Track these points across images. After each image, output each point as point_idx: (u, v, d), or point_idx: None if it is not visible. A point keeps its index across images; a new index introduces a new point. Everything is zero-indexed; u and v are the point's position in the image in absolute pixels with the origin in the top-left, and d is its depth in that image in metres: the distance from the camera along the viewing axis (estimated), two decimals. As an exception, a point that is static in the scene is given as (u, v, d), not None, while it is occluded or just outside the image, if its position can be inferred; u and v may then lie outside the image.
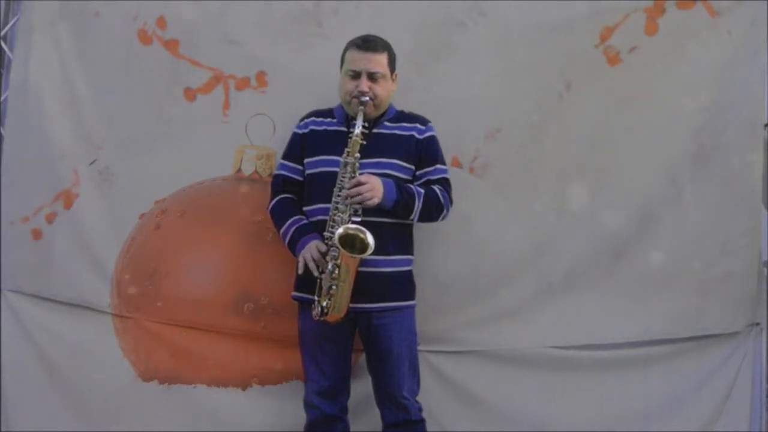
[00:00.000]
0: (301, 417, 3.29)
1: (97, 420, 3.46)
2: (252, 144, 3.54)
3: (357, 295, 3.02)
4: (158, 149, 3.52)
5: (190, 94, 3.53)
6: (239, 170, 3.55)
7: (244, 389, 3.51)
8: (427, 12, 3.53)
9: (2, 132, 3.59)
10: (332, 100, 3.36)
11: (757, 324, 3.58)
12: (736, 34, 3.56)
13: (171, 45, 3.52)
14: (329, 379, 3.15)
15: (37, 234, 3.49)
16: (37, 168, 3.50)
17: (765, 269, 3.59)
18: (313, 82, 3.49)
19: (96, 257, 3.49)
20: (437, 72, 3.41)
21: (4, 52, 3.63)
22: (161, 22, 3.52)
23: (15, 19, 3.58)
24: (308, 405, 3.18)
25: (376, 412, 3.23)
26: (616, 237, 3.54)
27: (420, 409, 3.18)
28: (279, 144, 3.51)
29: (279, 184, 3.27)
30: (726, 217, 3.55)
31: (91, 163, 3.52)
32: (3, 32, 3.62)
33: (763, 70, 3.58)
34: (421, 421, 3.18)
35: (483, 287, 3.51)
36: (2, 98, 3.60)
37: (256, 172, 3.55)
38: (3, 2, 3.62)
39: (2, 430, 3.40)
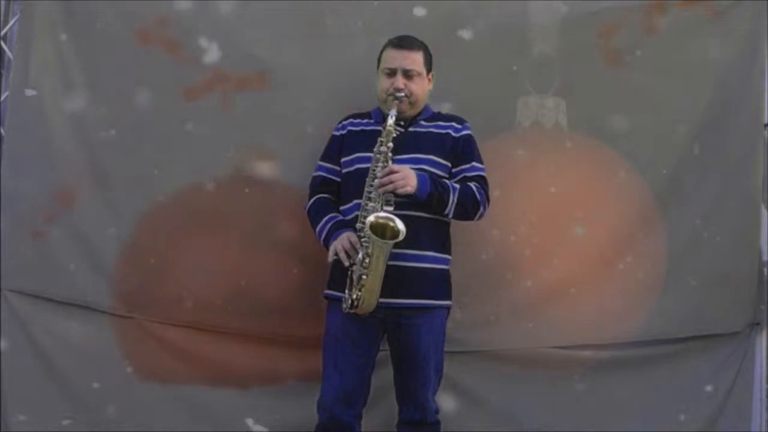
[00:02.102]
0: (302, 417, 3.31)
1: (97, 420, 3.46)
2: (253, 144, 3.54)
3: (388, 290, 2.99)
4: (158, 149, 3.51)
5: (190, 94, 3.52)
6: (240, 170, 3.54)
7: (244, 389, 3.50)
8: (427, 12, 3.52)
9: (2, 132, 3.58)
10: (332, 100, 3.38)
11: (757, 324, 3.59)
12: (736, 34, 3.57)
13: (171, 45, 3.51)
14: (347, 382, 3.08)
15: (37, 234, 3.47)
16: (37, 168, 3.49)
17: (765, 269, 3.60)
18: (313, 82, 3.49)
19: (96, 257, 3.48)
20: (437, 71, 3.40)
21: (4, 52, 3.62)
22: (161, 21, 3.51)
23: (15, 19, 3.57)
24: (321, 407, 3.10)
25: (385, 407, 3.23)
26: (616, 237, 3.54)
27: (437, 411, 3.15)
28: (279, 144, 3.51)
29: (317, 184, 3.28)
30: (726, 217, 3.56)
31: (91, 163, 3.50)
32: (3, 32, 3.61)
33: (763, 70, 3.59)
34: (436, 424, 3.14)
35: (483, 287, 3.51)
36: (2, 98, 3.59)
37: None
38: (3, 2, 3.61)
39: (2, 429, 3.40)
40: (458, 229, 3.33)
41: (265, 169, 3.51)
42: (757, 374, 3.58)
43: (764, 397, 3.58)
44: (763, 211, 3.61)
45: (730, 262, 3.56)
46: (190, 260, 3.49)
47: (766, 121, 3.63)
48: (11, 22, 3.59)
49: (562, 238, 3.55)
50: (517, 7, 3.56)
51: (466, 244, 3.42)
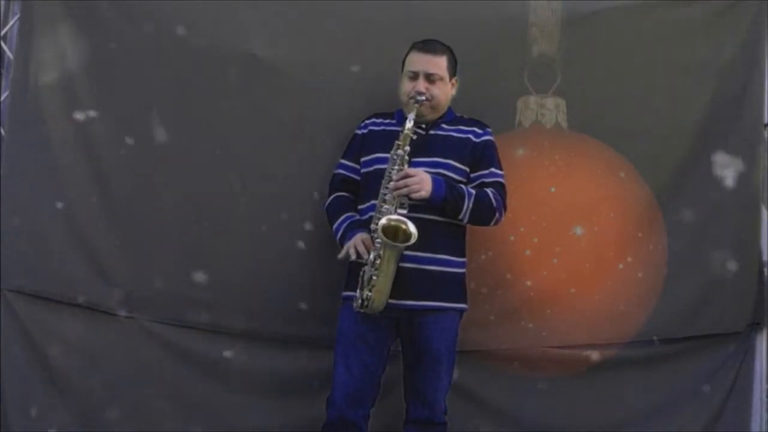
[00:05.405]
0: (306, 417, 3.32)
1: (97, 420, 3.45)
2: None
3: (401, 291, 3.01)
4: (158, 149, 3.51)
5: (191, 93, 3.52)
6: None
7: (249, 389, 3.50)
8: (425, 12, 3.52)
9: (2, 132, 3.58)
10: (332, 101, 3.40)
11: (758, 324, 3.59)
12: (736, 34, 3.57)
13: (172, 45, 3.51)
14: (357, 382, 3.09)
15: (36, 234, 3.47)
16: (37, 168, 3.49)
17: (765, 269, 3.60)
18: (313, 81, 3.49)
19: (96, 257, 3.48)
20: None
21: (4, 52, 3.62)
22: (162, 21, 3.51)
23: (15, 19, 3.57)
24: (330, 405, 3.11)
25: (392, 406, 3.24)
26: (616, 237, 3.55)
27: (445, 412, 3.14)
28: (278, 144, 3.51)
29: (337, 182, 3.31)
30: (726, 217, 3.56)
31: (92, 163, 3.50)
32: (3, 32, 3.61)
33: (763, 70, 3.59)
34: (444, 424, 3.14)
35: (483, 287, 3.51)
36: (2, 98, 3.59)
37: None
38: (3, 2, 3.61)
39: (2, 430, 3.40)
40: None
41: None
42: (757, 374, 3.58)
43: (764, 397, 3.59)
44: (763, 211, 3.61)
45: (730, 262, 3.56)
46: (191, 259, 3.49)
47: (766, 121, 3.63)
48: (11, 22, 3.59)
49: (562, 238, 3.55)
50: (517, 7, 3.57)
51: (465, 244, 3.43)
